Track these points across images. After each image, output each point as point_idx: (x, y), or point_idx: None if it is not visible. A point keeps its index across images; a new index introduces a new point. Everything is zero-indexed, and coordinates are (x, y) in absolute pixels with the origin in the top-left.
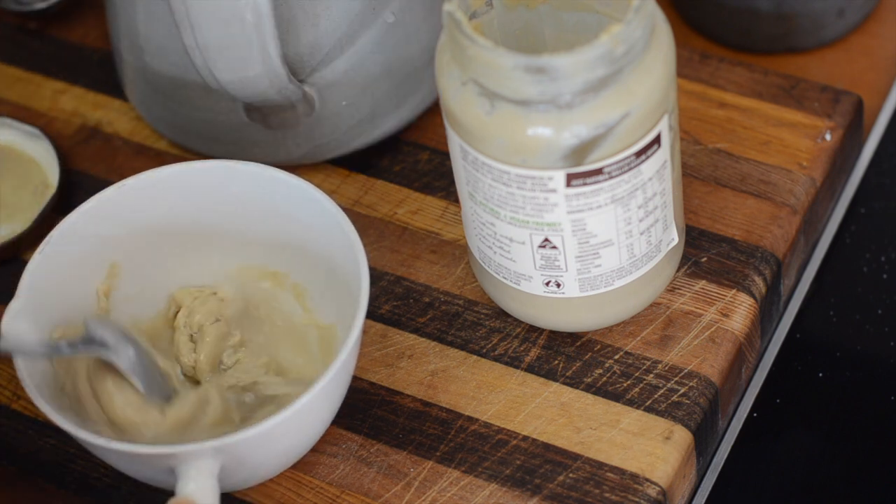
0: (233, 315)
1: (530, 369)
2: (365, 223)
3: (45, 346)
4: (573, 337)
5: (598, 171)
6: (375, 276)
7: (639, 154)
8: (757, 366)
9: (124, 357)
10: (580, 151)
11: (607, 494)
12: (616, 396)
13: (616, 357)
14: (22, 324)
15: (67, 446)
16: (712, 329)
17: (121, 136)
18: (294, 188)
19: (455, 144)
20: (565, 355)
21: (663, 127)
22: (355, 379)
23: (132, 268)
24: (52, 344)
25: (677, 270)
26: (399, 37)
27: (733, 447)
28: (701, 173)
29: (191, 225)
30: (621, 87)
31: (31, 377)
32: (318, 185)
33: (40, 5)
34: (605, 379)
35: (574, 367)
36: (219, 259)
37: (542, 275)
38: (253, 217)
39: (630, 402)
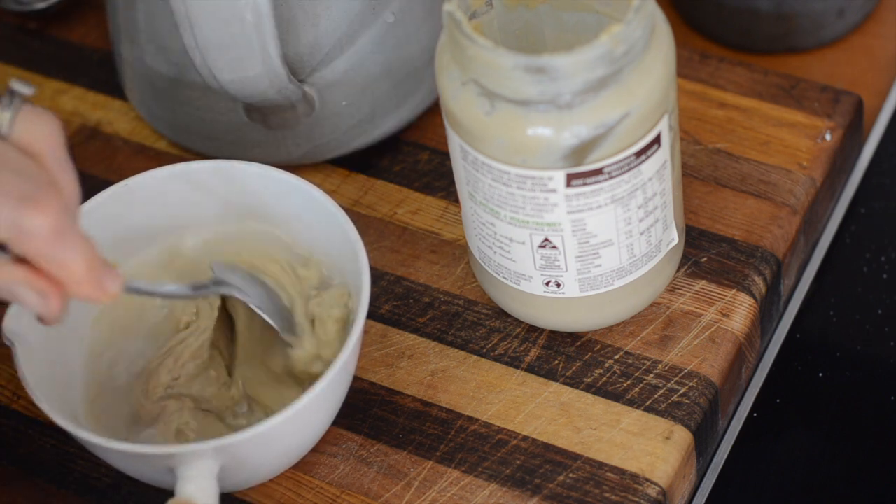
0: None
1: (530, 369)
2: (365, 223)
3: (174, 288)
4: (573, 337)
5: (598, 171)
6: (375, 276)
7: (639, 154)
8: (757, 366)
9: (254, 296)
10: (580, 151)
11: (607, 494)
12: (616, 396)
13: (616, 357)
14: (23, 323)
15: (67, 446)
16: (712, 329)
17: (121, 136)
18: (294, 188)
19: (455, 144)
20: (565, 355)
21: (663, 127)
22: (355, 379)
23: (132, 268)
24: (183, 287)
25: (677, 270)
26: (399, 37)
27: (733, 447)
28: (701, 173)
29: (191, 225)
30: (621, 87)
31: (32, 377)
32: (318, 185)
33: (40, 5)
34: (605, 379)
35: (574, 367)
36: (219, 259)
37: (542, 275)
38: (253, 217)
39: (630, 402)
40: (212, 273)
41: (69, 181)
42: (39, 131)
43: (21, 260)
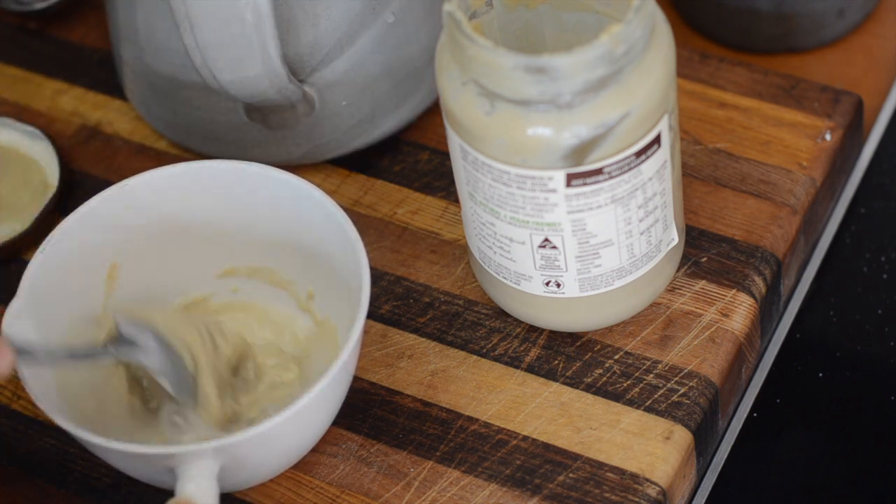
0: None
1: (530, 369)
2: (365, 223)
3: (75, 350)
4: (573, 337)
5: (598, 171)
6: (375, 276)
7: (639, 154)
8: (757, 366)
9: (154, 358)
10: (580, 151)
11: (607, 494)
12: (616, 396)
13: (616, 357)
14: (23, 323)
15: (67, 446)
16: (712, 329)
17: (121, 136)
18: (294, 188)
19: (455, 144)
20: (565, 355)
21: (663, 127)
22: (355, 379)
23: (132, 268)
24: (83, 349)
25: (677, 270)
26: (399, 37)
27: (733, 447)
28: (701, 173)
29: (191, 225)
30: (621, 87)
31: (32, 377)
32: (318, 185)
33: (40, 5)
34: (605, 379)
35: (574, 367)
36: (219, 259)
37: (542, 275)
38: (253, 217)
39: (630, 402)
40: (116, 330)
41: None
42: None
43: None
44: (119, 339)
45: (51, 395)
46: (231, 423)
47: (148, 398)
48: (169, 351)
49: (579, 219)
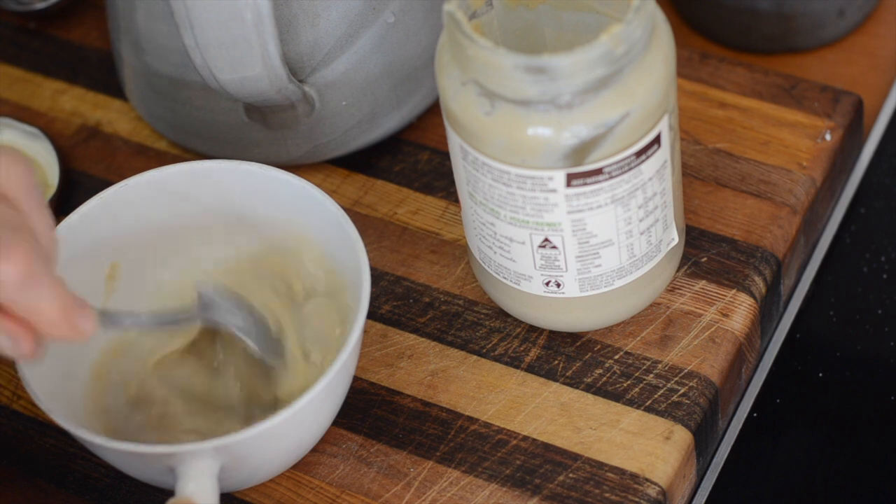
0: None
1: (530, 369)
2: (365, 223)
3: (161, 317)
4: (573, 337)
5: (598, 171)
6: (375, 276)
7: (639, 154)
8: (757, 366)
9: (239, 320)
10: (580, 151)
11: (607, 494)
12: (616, 396)
13: (616, 357)
14: None
15: (67, 446)
16: (712, 329)
17: (121, 136)
18: (295, 188)
19: (455, 144)
20: (565, 355)
21: (663, 127)
22: (355, 379)
23: (132, 268)
24: (167, 315)
25: (677, 270)
26: (399, 37)
27: (733, 447)
28: (701, 173)
29: (191, 225)
30: (621, 87)
31: (33, 377)
32: (318, 185)
33: (40, 5)
34: (605, 379)
35: (574, 367)
36: (219, 259)
37: (542, 275)
38: (253, 217)
39: (630, 402)
40: (198, 296)
41: (43, 222)
42: (11, 174)
43: None
44: (202, 305)
45: (51, 394)
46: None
47: (210, 357)
48: (253, 314)
49: (579, 219)
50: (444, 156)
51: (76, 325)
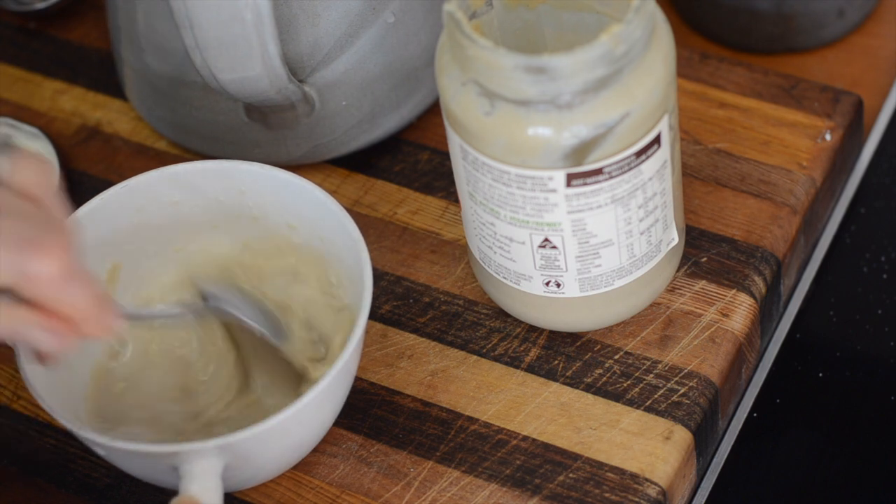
0: None
1: (530, 369)
2: (365, 223)
3: (168, 310)
4: (573, 337)
5: (598, 171)
6: (375, 276)
7: (639, 154)
8: (757, 366)
9: (246, 309)
10: (580, 151)
11: (607, 494)
12: (616, 396)
13: (616, 357)
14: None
15: (68, 446)
16: (712, 329)
17: (121, 136)
18: (296, 187)
19: (455, 144)
20: (565, 355)
21: (663, 127)
22: (355, 379)
23: (133, 268)
24: (176, 307)
25: (677, 270)
26: (399, 37)
27: (733, 447)
28: (701, 173)
29: (191, 225)
30: (621, 87)
31: (34, 376)
32: (318, 185)
33: (40, 5)
34: (605, 379)
35: (574, 367)
36: (219, 258)
37: (542, 275)
38: (254, 217)
39: (630, 402)
40: (200, 292)
41: (66, 220)
42: (35, 174)
43: (25, 302)
44: (205, 298)
45: (52, 394)
46: (317, 362)
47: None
48: (253, 300)
49: (579, 219)
50: (444, 156)
51: (108, 322)
